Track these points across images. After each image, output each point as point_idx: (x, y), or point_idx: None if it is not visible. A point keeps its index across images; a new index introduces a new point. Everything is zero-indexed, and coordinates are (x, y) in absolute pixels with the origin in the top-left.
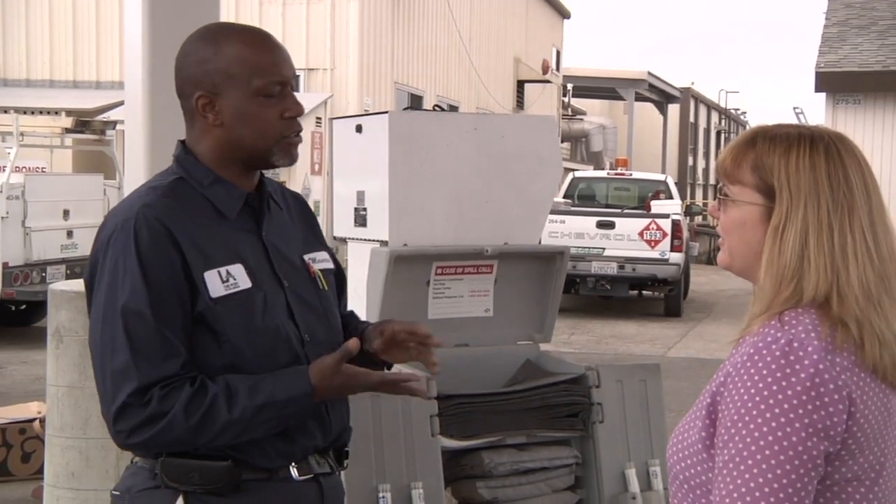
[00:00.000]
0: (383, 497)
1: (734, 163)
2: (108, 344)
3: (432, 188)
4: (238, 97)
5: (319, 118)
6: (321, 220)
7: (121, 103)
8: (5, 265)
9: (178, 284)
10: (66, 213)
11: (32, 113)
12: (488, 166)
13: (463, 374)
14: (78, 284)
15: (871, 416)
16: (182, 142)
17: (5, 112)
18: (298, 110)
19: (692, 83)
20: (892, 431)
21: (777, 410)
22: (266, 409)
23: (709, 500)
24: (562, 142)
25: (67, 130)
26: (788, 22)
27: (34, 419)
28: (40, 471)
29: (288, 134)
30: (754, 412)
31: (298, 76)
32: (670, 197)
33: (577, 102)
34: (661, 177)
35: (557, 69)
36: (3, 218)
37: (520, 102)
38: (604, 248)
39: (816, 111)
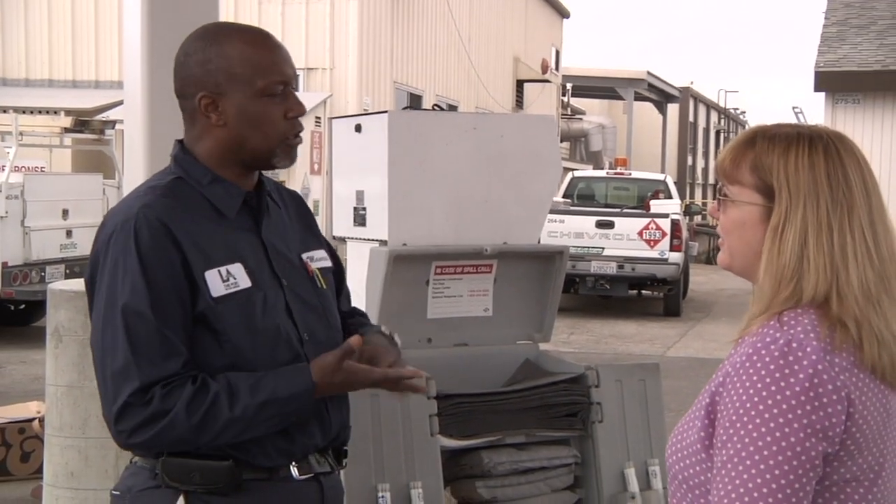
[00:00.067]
0: (382, 497)
1: (733, 163)
2: (109, 344)
3: (431, 188)
4: (241, 97)
5: (319, 117)
6: (320, 220)
7: (120, 103)
8: (4, 265)
9: (178, 284)
10: (65, 213)
11: (31, 112)
12: (487, 166)
13: (462, 374)
14: (77, 284)
15: (870, 417)
16: (180, 141)
17: (4, 112)
18: (301, 110)
19: (691, 83)
20: (891, 432)
21: (776, 411)
22: (268, 406)
23: (707, 500)
24: (561, 141)
25: (66, 130)
26: (788, 21)
27: (33, 419)
28: (39, 470)
29: (290, 134)
30: (753, 412)
31: (298, 76)
32: (669, 196)
33: (577, 102)
34: (660, 176)
35: (557, 69)
36: (2, 217)
37: (519, 102)
38: (603, 248)
39: (816, 111)
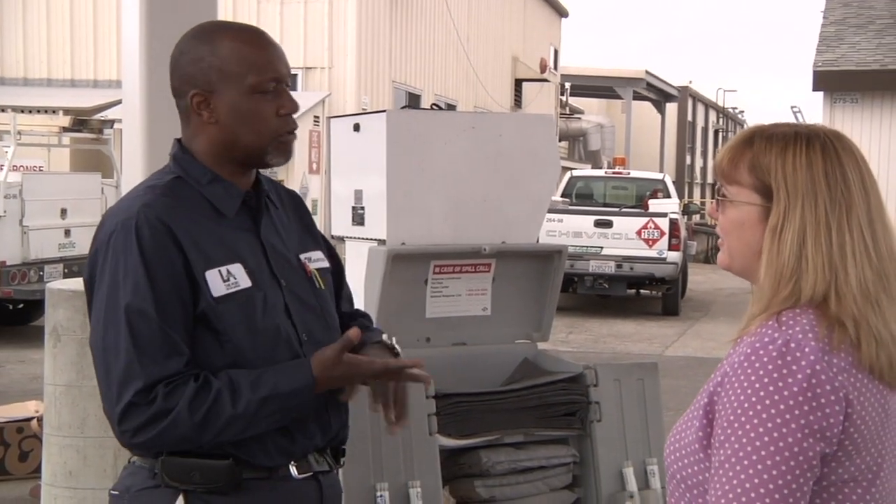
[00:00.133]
0: (381, 496)
1: (731, 163)
2: (112, 344)
3: (430, 187)
4: (233, 94)
5: (317, 117)
6: (319, 219)
7: (118, 102)
8: (3, 264)
9: (179, 283)
10: (63, 212)
11: (30, 112)
12: (486, 165)
13: (461, 373)
14: (75, 283)
15: (868, 417)
16: (178, 140)
17: (3, 111)
18: (293, 107)
19: (690, 82)
20: (889, 432)
21: (773, 411)
22: (269, 401)
23: (706, 499)
24: (559, 140)
25: (65, 129)
26: (786, 21)
27: (32, 418)
28: (38, 470)
29: (283, 132)
30: (750, 412)
31: (296, 75)
32: (668, 196)
33: (575, 101)
34: (658, 175)
35: (555, 68)
36: (0, 217)
37: (518, 101)
38: (602, 247)
39: (814, 110)
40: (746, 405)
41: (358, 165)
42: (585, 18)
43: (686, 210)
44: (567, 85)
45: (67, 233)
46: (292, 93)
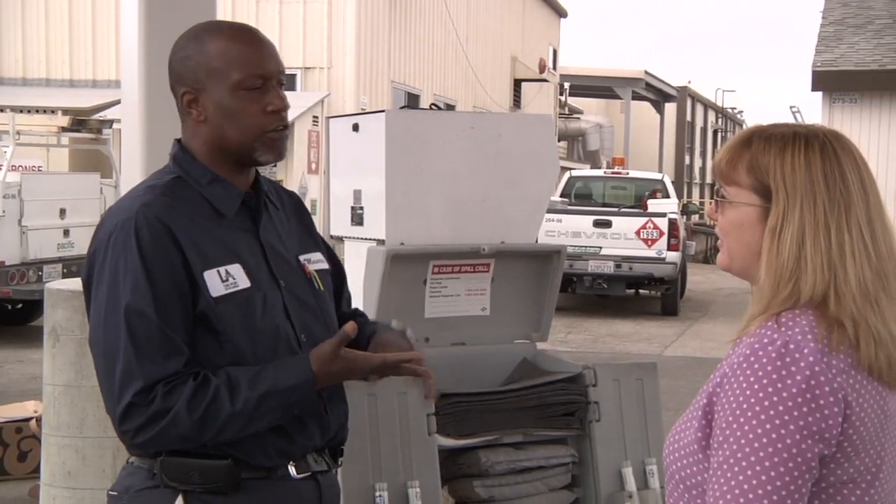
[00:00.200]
0: (380, 496)
1: (730, 164)
2: (112, 344)
3: (429, 187)
4: (219, 92)
5: (316, 117)
6: (318, 219)
7: (117, 102)
8: (2, 264)
9: (179, 283)
10: (62, 212)
11: (29, 112)
12: (485, 165)
13: (460, 373)
14: (74, 283)
15: (867, 419)
16: (178, 140)
17: (1, 111)
18: (281, 104)
19: (689, 82)
20: (888, 433)
21: (772, 412)
22: (268, 398)
23: (704, 500)
24: (558, 141)
25: (64, 129)
26: (785, 21)
27: (31, 418)
28: (37, 470)
29: (270, 128)
30: (749, 414)
31: (295, 75)
32: (667, 196)
33: (574, 101)
34: (657, 175)
35: (554, 68)
36: None
37: (516, 101)
38: (600, 247)
39: (813, 110)
40: (745, 406)
41: (357, 165)
42: (584, 18)
43: (685, 210)
44: (566, 85)
45: (66, 233)
46: (291, 93)
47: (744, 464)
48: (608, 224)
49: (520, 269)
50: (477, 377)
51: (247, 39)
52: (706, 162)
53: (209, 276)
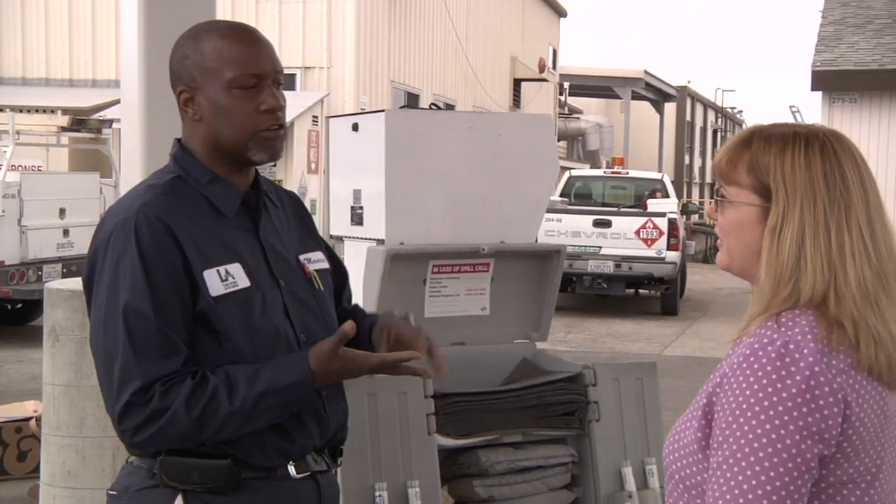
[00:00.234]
0: (380, 496)
1: (730, 164)
2: (111, 344)
3: (429, 187)
4: (214, 90)
5: (316, 116)
6: (318, 219)
7: (117, 102)
8: (1, 264)
9: (179, 282)
10: (62, 212)
11: (28, 111)
12: (485, 165)
13: (459, 373)
14: (74, 283)
15: (867, 419)
16: (178, 140)
17: (1, 111)
18: (275, 104)
19: (689, 82)
20: (888, 433)
21: (771, 413)
22: (267, 396)
23: (704, 500)
24: (558, 140)
25: (63, 129)
26: (785, 21)
27: (30, 418)
28: (36, 469)
29: (263, 128)
30: (749, 414)
31: (294, 75)
32: (667, 195)
33: (574, 101)
34: (657, 175)
35: (554, 68)
36: None
37: (516, 101)
38: (600, 247)
39: (813, 110)
40: (745, 406)
41: (356, 165)
42: (584, 18)
43: (685, 210)
44: (566, 85)
45: (66, 232)
46: (290, 92)
47: (743, 464)
48: (608, 224)
49: (519, 269)
50: (477, 377)
51: (242, 38)
52: (706, 162)
53: (209, 276)
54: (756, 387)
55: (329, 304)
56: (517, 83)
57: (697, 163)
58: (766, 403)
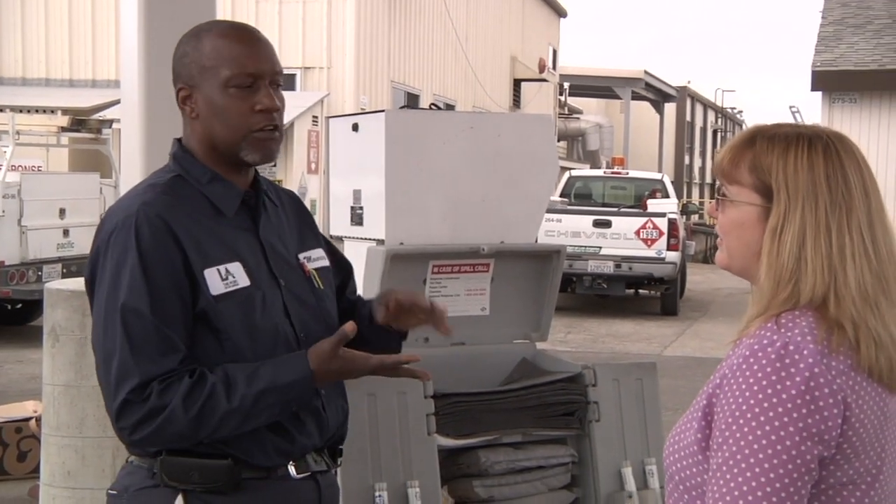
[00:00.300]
0: (379, 496)
1: (732, 163)
2: (110, 342)
3: (429, 187)
4: (210, 89)
5: (316, 117)
6: (318, 219)
7: (117, 102)
8: (1, 264)
9: (179, 281)
10: (62, 212)
11: (28, 111)
12: (485, 165)
13: (459, 373)
14: (74, 283)
15: (867, 420)
16: (178, 140)
17: (1, 111)
18: (270, 104)
19: (689, 82)
20: (888, 434)
21: (771, 414)
22: (266, 395)
23: (704, 501)
24: (558, 140)
25: (63, 129)
26: (785, 21)
27: (30, 418)
28: (36, 470)
29: (257, 128)
30: (748, 415)
31: (294, 75)
32: (667, 196)
33: (574, 101)
34: (657, 175)
35: (554, 68)
36: None
37: (516, 101)
38: (600, 247)
39: (813, 110)
40: (744, 408)
41: (356, 165)
42: (584, 18)
43: (685, 210)
44: (566, 85)
45: (66, 233)
46: (290, 92)
47: (743, 465)
48: (608, 224)
49: (519, 269)
50: (476, 377)
51: (241, 38)
52: (706, 162)
53: (209, 275)
54: (756, 388)
55: (329, 302)
56: (517, 83)
57: (697, 163)
58: (765, 405)
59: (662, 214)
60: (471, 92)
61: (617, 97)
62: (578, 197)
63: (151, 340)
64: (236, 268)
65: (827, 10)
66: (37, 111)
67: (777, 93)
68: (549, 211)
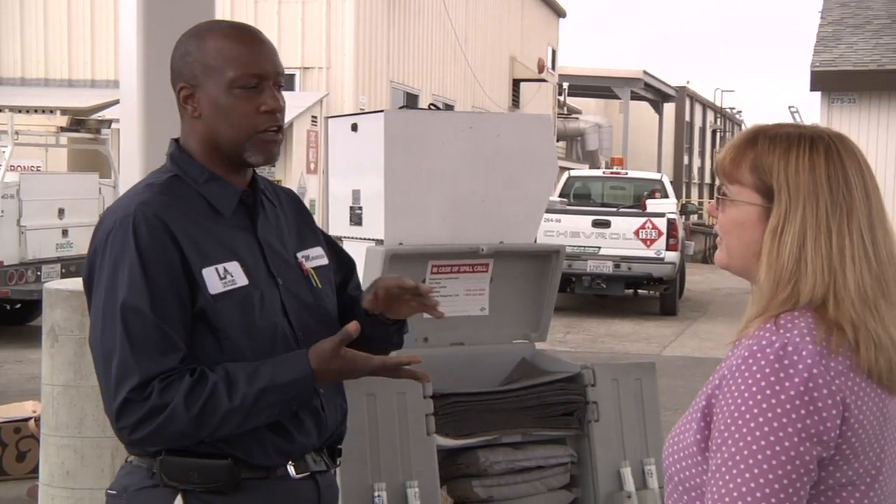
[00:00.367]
0: (379, 496)
1: (733, 162)
2: (109, 341)
3: (428, 187)
4: (214, 89)
5: (315, 117)
6: (317, 219)
7: (116, 102)
8: (0, 264)
9: (177, 280)
10: (61, 212)
11: (27, 111)
12: (484, 165)
13: (458, 373)
14: (73, 283)
15: (866, 421)
16: (175, 140)
17: (0, 111)
18: (275, 105)
19: (688, 82)
20: (887, 436)
21: (770, 415)
22: (267, 393)
23: (703, 502)
24: (557, 141)
25: (63, 129)
26: (784, 21)
27: (29, 418)
28: (35, 470)
29: (262, 128)
30: (747, 416)
31: (293, 75)
32: (666, 196)
33: (573, 101)
34: (656, 175)
35: (553, 68)
36: None
37: (515, 101)
38: (599, 247)
39: (812, 110)
40: (743, 409)
41: (356, 165)
42: (583, 18)
43: (684, 210)
44: (565, 85)
45: (65, 233)
46: (289, 93)
47: (742, 466)
48: (607, 224)
49: (519, 269)
50: (476, 377)
51: (245, 39)
52: (705, 162)
53: (208, 274)
54: (755, 389)
55: (328, 301)
56: (516, 83)
57: (696, 163)
58: (764, 406)
59: (661, 214)
60: (470, 92)
61: (616, 97)
62: (577, 197)
63: (151, 339)
64: (234, 267)
65: (826, 10)
66: (36, 111)
67: (776, 93)
68: (549, 211)
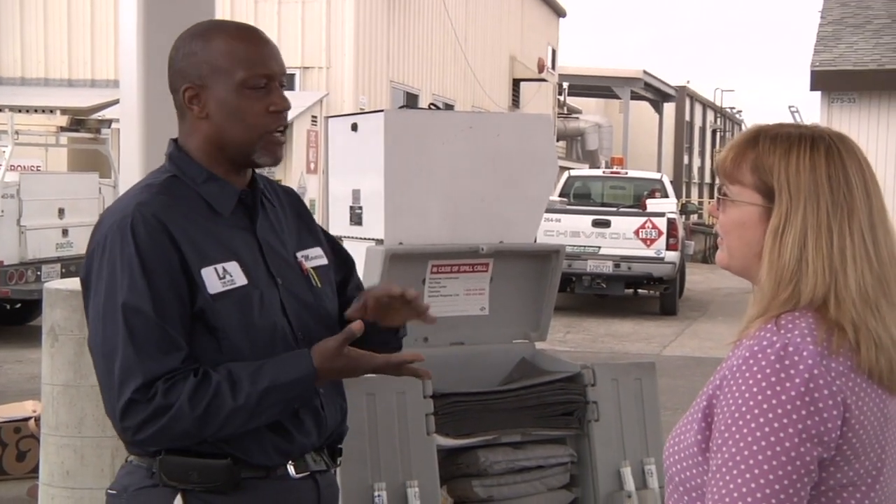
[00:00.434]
0: (379, 496)
1: (734, 163)
2: (111, 342)
3: (428, 187)
4: (223, 89)
5: (315, 116)
6: (317, 219)
7: (116, 102)
8: (0, 264)
9: (176, 280)
10: (61, 212)
11: (27, 111)
12: (484, 165)
13: (458, 373)
14: (73, 283)
15: (867, 422)
16: (174, 140)
17: (0, 111)
18: (284, 105)
19: (688, 82)
20: (888, 436)
21: (770, 415)
22: (270, 393)
23: (704, 503)
24: (557, 140)
25: (62, 129)
26: (784, 21)
27: (29, 418)
28: (35, 469)
29: (272, 129)
30: (748, 416)
31: (293, 75)
32: (666, 195)
33: (573, 101)
34: (656, 175)
35: (553, 68)
36: None
37: (515, 101)
38: (599, 247)
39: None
40: (744, 409)
41: (356, 165)
42: (583, 18)
43: (684, 210)
44: (565, 85)
45: (65, 232)
46: (289, 92)
47: (742, 467)
48: (607, 224)
49: (518, 269)
50: (476, 377)
51: (252, 39)
52: (705, 161)
53: (206, 274)
54: (755, 389)
55: (328, 301)
56: (516, 83)
57: (696, 163)
58: (765, 406)
59: (661, 214)
60: (470, 92)
61: (616, 97)
62: (577, 197)
63: (153, 339)
64: (233, 267)
65: (826, 10)
66: (36, 111)
67: (776, 92)
68: (549, 211)
